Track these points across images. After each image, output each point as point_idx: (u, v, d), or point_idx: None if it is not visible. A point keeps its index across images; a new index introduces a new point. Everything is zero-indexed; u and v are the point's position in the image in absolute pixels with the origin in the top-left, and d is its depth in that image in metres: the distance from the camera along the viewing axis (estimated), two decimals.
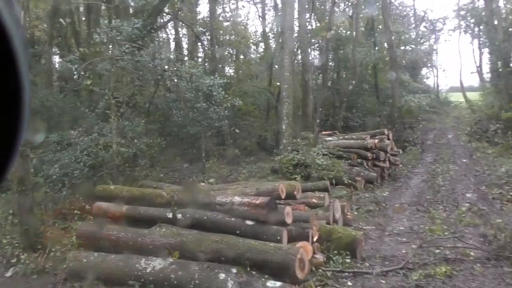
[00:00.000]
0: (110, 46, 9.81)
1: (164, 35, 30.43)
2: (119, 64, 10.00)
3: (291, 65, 16.48)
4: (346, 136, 16.57)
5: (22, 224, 7.20)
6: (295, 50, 20.60)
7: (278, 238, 6.21)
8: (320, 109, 16.32)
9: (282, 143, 14.58)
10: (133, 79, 12.10)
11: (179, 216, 6.76)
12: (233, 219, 6.48)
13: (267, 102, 23.75)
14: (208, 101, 12.33)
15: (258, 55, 31.78)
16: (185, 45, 30.45)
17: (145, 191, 7.60)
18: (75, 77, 14.78)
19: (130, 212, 7.20)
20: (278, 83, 24.29)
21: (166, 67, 12.01)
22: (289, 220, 6.53)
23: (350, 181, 12.63)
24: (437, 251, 7.46)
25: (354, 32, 23.83)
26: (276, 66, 25.14)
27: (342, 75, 26.32)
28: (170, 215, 6.82)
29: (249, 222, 6.40)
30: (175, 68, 11.38)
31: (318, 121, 15.16)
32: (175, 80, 11.46)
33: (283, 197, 6.96)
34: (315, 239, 6.77)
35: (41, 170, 10.24)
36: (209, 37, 25.27)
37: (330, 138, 16.04)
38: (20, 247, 7.36)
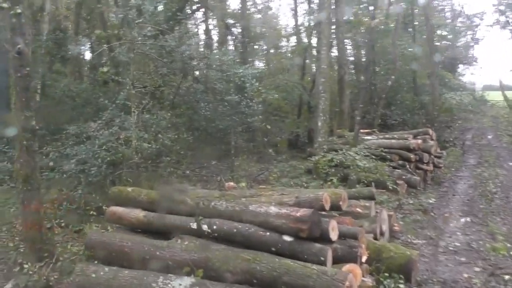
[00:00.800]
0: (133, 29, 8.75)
1: (194, 27, 29.60)
2: (140, 50, 9.01)
3: (328, 57, 15.35)
4: (387, 136, 15.31)
5: (26, 228, 6.34)
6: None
7: (322, 259, 5.15)
8: (361, 106, 15.06)
9: (317, 141, 13.55)
10: (157, 68, 11.13)
11: (204, 227, 5.77)
12: (268, 233, 5.43)
13: (300, 97, 22.62)
14: (240, 93, 11.27)
15: (289, 49, 30.71)
16: (215, 38, 29.53)
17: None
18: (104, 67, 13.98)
19: (148, 220, 6.25)
20: (309, 78, 23.32)
21: (195, 58, 11.02)
22: (334, 236, 5.46)
23: (394, 186, 11.47)
24: (507, 277, 6.30)
25: (393, 24, 22.44)
26: (307, 61, 24.13)
27: (379, 70, 24.88)
28: (194, 226, 5.84)
29: (287, 238, 5.35)
30: (204, 56, 10.32)
31: (358, 118, 13.92)
32: (204, 71, 10.43)
33: (327, 208, 5.89)
34: (363, 260, 5.69)
35: (59, 165, 9.43)
36: (239, 30, 24.39)
37: (369, 137, 14.82)
38: (25, 254, 6.51)
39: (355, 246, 5.58)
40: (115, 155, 9.01)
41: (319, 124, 13.48)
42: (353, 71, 26.13)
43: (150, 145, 9.42)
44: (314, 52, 24.13)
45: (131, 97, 8.98)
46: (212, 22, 28.76)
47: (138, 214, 6.38)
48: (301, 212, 5.33)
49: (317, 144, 13.50)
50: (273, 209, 5.54)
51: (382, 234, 7.47)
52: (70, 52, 9.38)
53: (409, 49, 24.28)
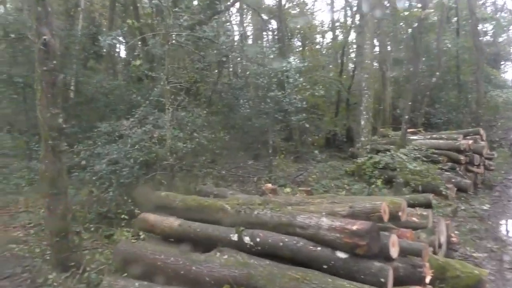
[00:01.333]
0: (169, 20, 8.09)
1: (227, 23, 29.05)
2: (175, 41, 8.42)
3: (372, 52, 14.50)
4: (434, 135, 14.37)
5: (52, 235, 5.86)
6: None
7: (382, 280, 4.44)
8: (410, 103, 14.11)
9: (360, 141, 12.74)
10: (193, 61, 10.51)
11: (246, 239, 5.14)
12: (319, 248, 4.75)
13: (338, 94, 21.77)
14: (283, 89, 10.55)
15: (325, 45, 29.86)
16: (249, 34, 28.92)
17: (204, 203, 5.98)
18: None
19: (184, 229, 5.64)
20: (345, 75, 22.44)
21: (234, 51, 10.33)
22: (395, 253, 4.74)
23: (446, 191, 10.60)
24: None
25: (436, 17, 21.29)
26: (344, 57, 23.25)
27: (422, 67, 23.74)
28: (234, 237, 5.21)
29: (341, 255, 4.66)
30: (244, 48, 9.66)
31: (406, 117, 13.00)
32: (244, 62, 9.72)
33: (385, 219, 5.15)
34: (427, 281, 4.94)
35: (90, 164, 8.98)
36: (274, 26, 23.77)
37: (415, 137, 13.92)
38: (50, 262, 6.02)
39: (419, 265, 4.84)
40: (148, 155, 8.49)
41: (362, 122, 12.68)
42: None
43: (185, 145, 8.87)
44: (351, 48, 23.35)
45: (166, 93, 8.42)
46: (247, 17, 28.24)
47: (172, 222, 5.80)
48: (358, 225, 4.63)
49: (360, 144, 12.72)
50: (325, 221, 4.85)
51: (439, 246, 6.70)
52: (102, 45, 8.82)
53: (449, 45, 23.11)
